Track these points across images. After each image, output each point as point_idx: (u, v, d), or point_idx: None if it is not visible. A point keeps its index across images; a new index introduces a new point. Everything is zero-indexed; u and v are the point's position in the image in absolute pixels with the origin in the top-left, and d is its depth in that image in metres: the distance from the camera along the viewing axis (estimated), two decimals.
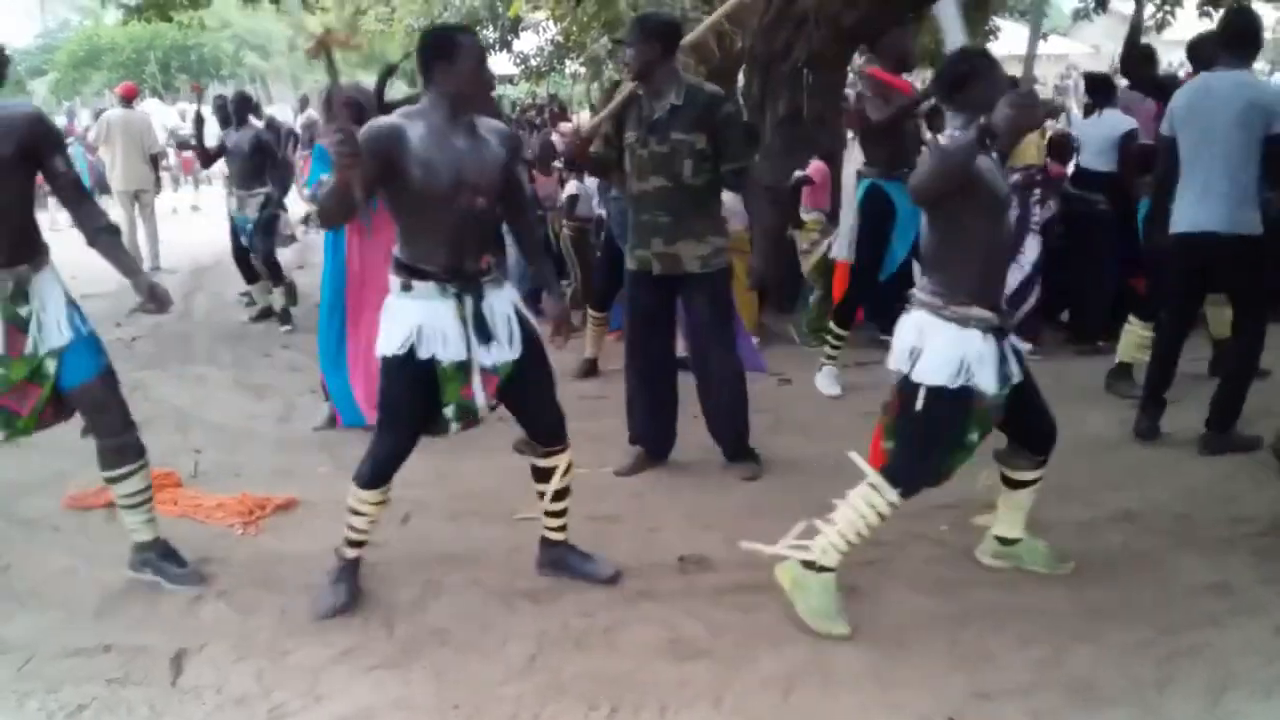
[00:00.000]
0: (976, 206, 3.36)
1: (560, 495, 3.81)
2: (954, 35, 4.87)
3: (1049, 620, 3.45)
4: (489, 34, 16.52)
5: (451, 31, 3.49)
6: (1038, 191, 6.96)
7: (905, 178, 5.80)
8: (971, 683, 3.13)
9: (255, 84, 28.81)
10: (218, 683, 3.23)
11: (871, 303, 6.45)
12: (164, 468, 4.94)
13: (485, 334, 3.47)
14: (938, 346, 3.39)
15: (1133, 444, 5.12)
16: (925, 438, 3.48)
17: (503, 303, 3.55)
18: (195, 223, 15.63)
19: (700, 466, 4.92)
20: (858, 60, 8.35)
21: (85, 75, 34.09)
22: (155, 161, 11.97)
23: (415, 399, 3.49)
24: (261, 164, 8.51)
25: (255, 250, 8.61)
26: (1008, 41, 17.98)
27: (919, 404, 3.41)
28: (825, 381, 6.28)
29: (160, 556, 3.87)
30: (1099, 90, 7.22)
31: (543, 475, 3.79)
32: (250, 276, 8.96)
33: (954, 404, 3.38)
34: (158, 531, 3.91)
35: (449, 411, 3.53)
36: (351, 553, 3.71)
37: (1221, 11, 10.47)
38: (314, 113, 15.88)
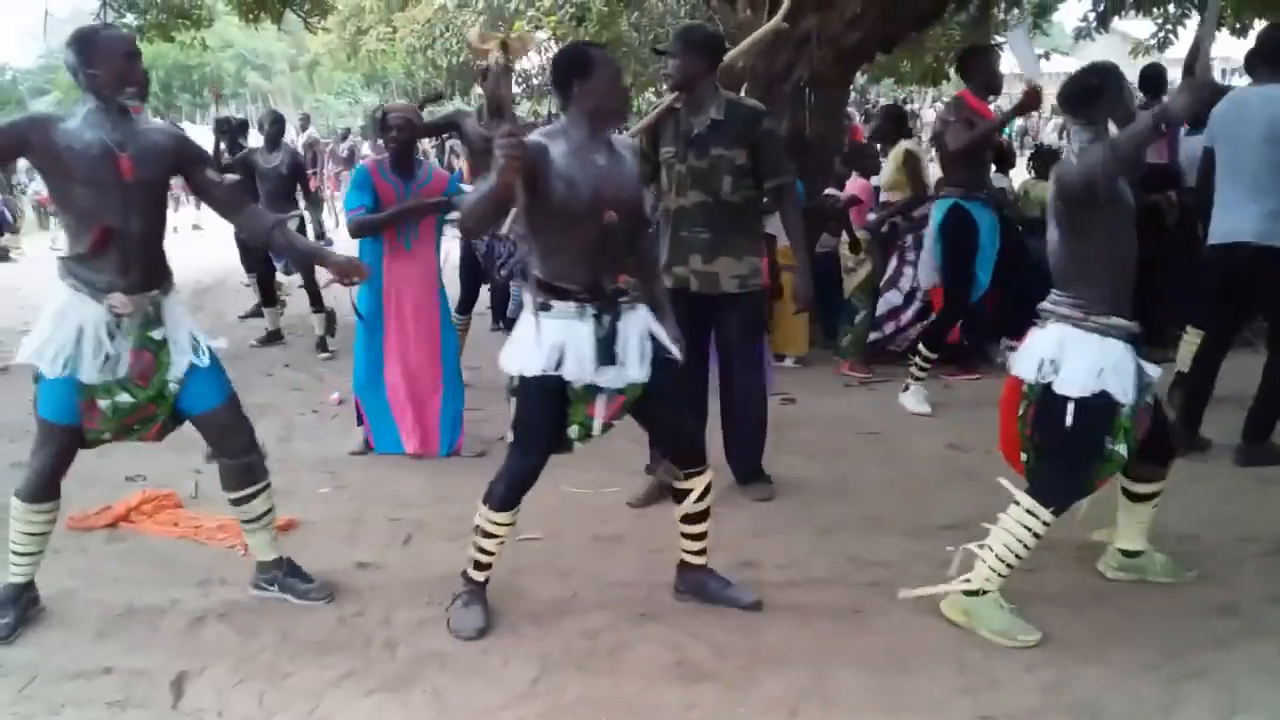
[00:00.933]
0: (1116, 217, 3.43)
1: (699, 518, 3.73)
2: (1028, 63, 4.92)
3: (1055, 643, 3.43)
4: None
5: (586, 48, 3.49)
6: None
7: (985, 198, 5.84)
8: (977, 706, 3.10)
9: (257, 103, 28.91)
10: (218, 706, 3.20)
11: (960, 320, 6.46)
12: (164, 489, 4.94)
13: (610, 356, 3.44)
14: (1082, 359, 3.41)
15: None
16: (1075, 453, 3.49)
17: (638, 323, 3.52)
18: (196, 242, 15.64)
19: None
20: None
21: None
22: None
23: (552, 418, 3.48)
24: (294, 186, 8.42)
25: (289, 273, 8.52)
26: (1009, 60, 18.02)
27: (1068, 419, 3.42)
28: (913, 401, 6.21)
29: (287, 574, 3.88)
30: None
31: (679, 497, 3.73)
32: (269, 300, 8.84)
33: (1099, 415, 3.40)
34: (280, 550, 3.91)
35: (573, 431, 3.51)
36: (480, 575, 3.66)
37: (1223, 31, 10.53)
38: (314, 131, 15.92)
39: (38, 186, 18.78)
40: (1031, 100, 5.85)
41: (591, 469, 4.83)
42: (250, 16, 11.13)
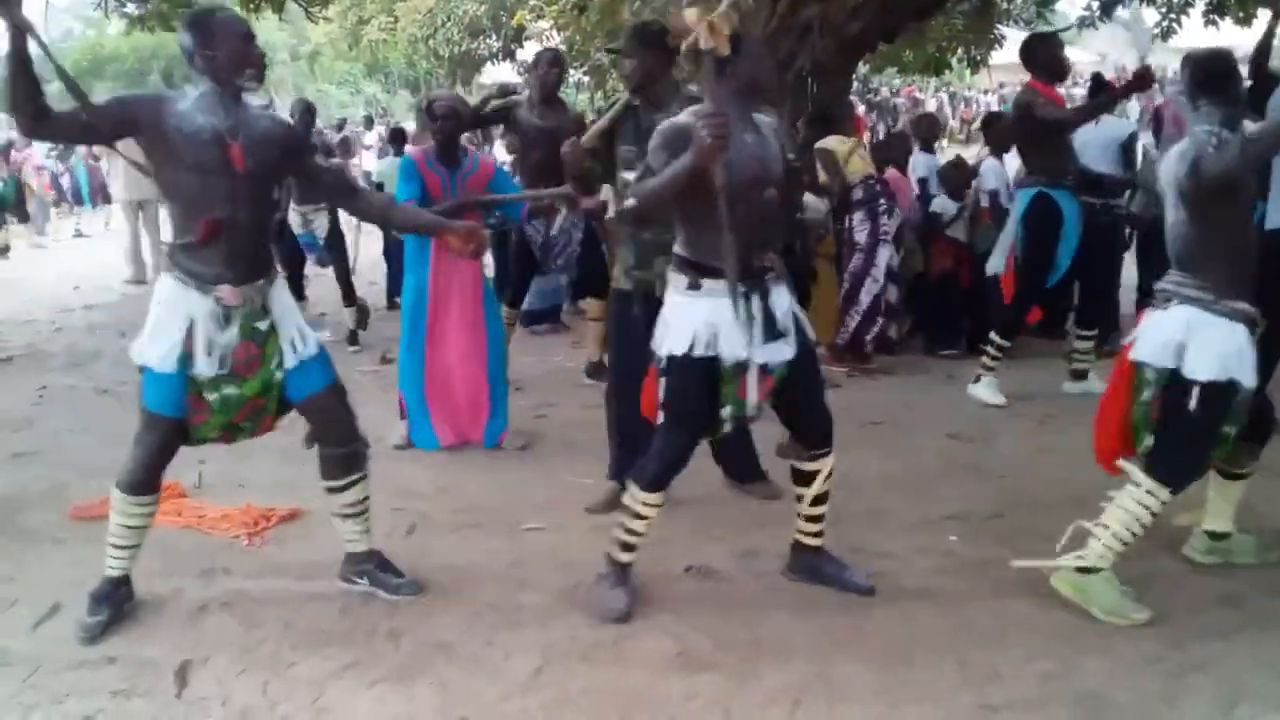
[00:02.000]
0: (1241, 201, 3.47)
1: (821, 500, 3.73)
2: (1141, 41, 4.90)
3: (1057, 634, 3.43)
4: (492, 43, 16.52)
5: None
6: (883, 201, 6.97)
7: (1070, 185, 5.82)
8: (979, 698, 3.11)
9: (257, 93, 28.84)
10: (222, 695, 3.21)
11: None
12: (168, 478, 4.94)
13: (774, 331, 3.44)
14: (1211, 342, 3.42)
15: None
16: (1198, 436, 3.51)
17: (784, 300, 3.51)
18: None
19: (707, 477, 4.90)
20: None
21: (89, 85, 34.11)
22: None
23: (704, 398, 3.47)
24: None
25: (323, 266, 8.43)
26: (1012, 50, 17.98)
27: (1193, 402, 3.42)
28: (986, 391, 6.16)
29: (378, 567, 3.86)
30: (1098, 93, 7.26)
31: (805, 478, 3.71)
32: (298, 294, 8.53)
33: (1223, 399, 3.42)
34: (372, 542, 3.90)
35: (725, 412, 3.50)
36: (626, 557, 3.65)
37: (1227, 20, 10.51)
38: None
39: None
40: (1142, 78, 5.98)
41: (594, 459, 4.83)
42: (251, 6, 11.08)
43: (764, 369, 3.47)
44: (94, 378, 7.35)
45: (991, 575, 3.85)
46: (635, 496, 3.57)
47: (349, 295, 8.25)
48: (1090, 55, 32.03)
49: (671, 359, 3.45)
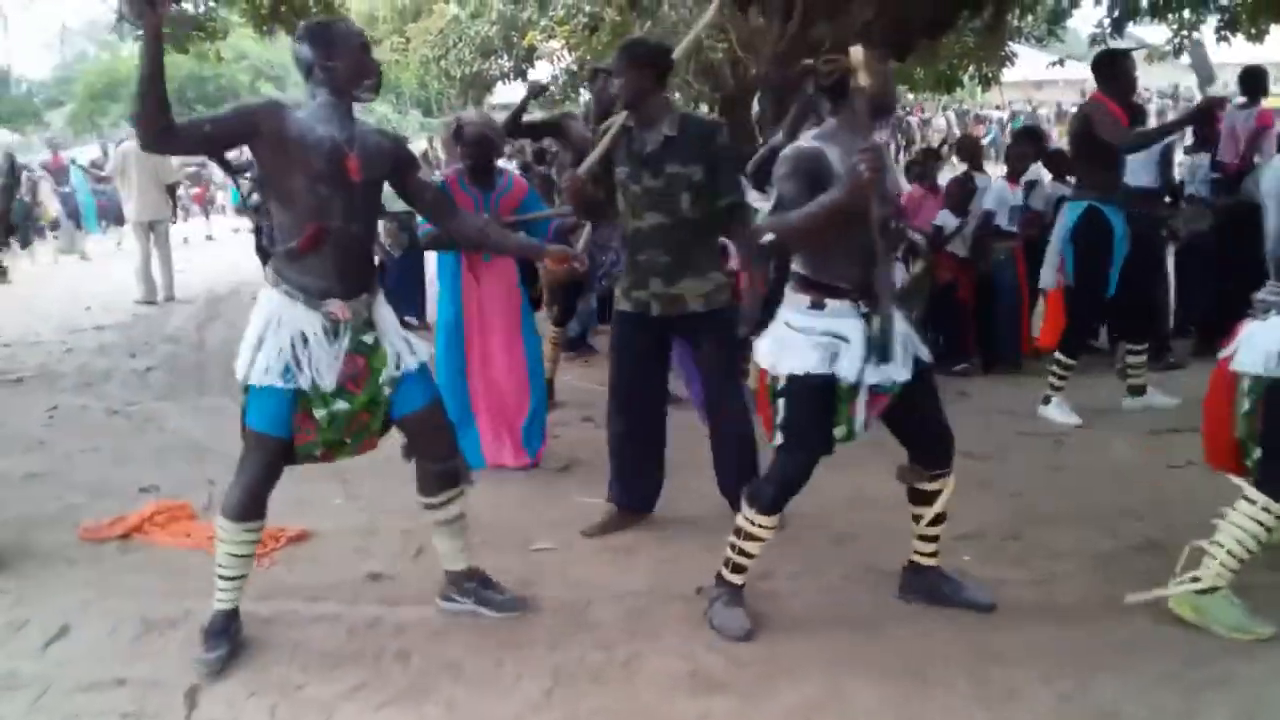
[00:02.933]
0: None
1: (940, 519, 3.73)
2: (1204, 72, 4.91)
3: (1073, 653, 3.39)
4: (503, 63, 16.58)
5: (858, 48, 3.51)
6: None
7: (1119, 201, 5.81)
8: (995, 717, 3.07)
9: None
10: (232, 717, 3.21)
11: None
12: (178, 499, 4.95)
13: (887, 353, 3.42)
14: None
15: (1156, 471, 5.05)
16: None
17: (900, 322, 3.49)
18: (209, 251, 15.67)
19: (716, 495, 4.87)
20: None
21: (103, 107, 34.47)
22: (171, 192, 12.05)
23: (825, 417, 3.45)
24: None
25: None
26: (1024, 67, 17.97)
27: None
28: (1057, 412, 6.05)
29: (481, 585, 3.84)
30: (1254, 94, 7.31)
31: (925, 498, 3.70)
32: None
33: None
34: (472, 559, 3.87)
35: (839, 431, 3.49)
36: (739, 579, 3.63)
37: (1239, 36, 10.50)
38: None
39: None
40: (1207, 112, 6.11)
41: (603, 480, 4.80)
42: (264, 28, 11.17)
43: (877, 389, 3.46)
44: (105, 398, 7.37)
45: (1006, 594, 3.82)
46: (751, 519, 3.53)
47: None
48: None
49: (792, 379, 3.42)
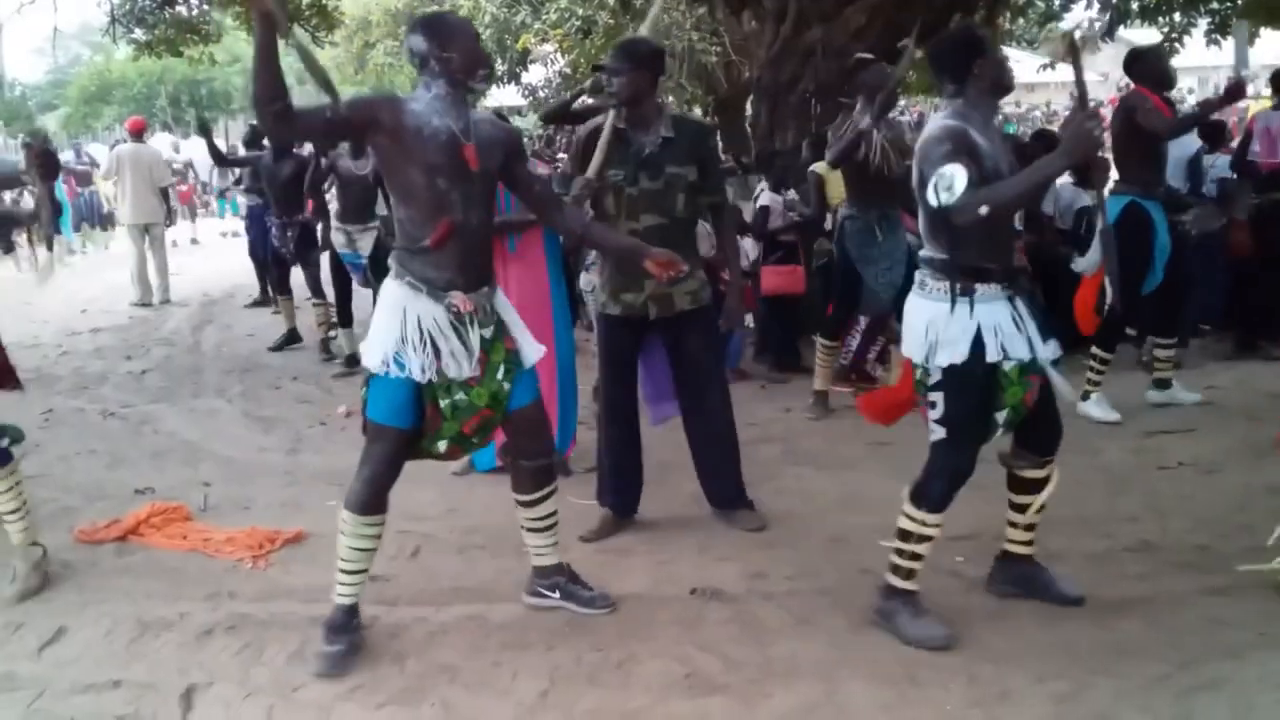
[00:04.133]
0: None
1: (1042, 507, 3.71)
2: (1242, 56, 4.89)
3: (1067, 655, 3.40)
4: (497, 66, 16.59)
5: (974, 27, 3.48)
6: None
7: (1160, 197, 5.82)
8: (989, 718, 3.08)
9: None
10: (227, 719, 3.20)
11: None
12: (173, 501, 4.95)
13: (1046, 332, 3.41)
14: None
15: (1149, 474, 5.07)
16: None
17: (1029, 304, 3.49)
18: (196, 256, 15.63)
19: None
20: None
21: (96, 110, 34.39)
22: (165, 195, 12.04)
23: (987, 406, 3.44)
24: (376, 196, 7.82)
25: (366, 286, 8.01)
26: (1015, 70, 17.99)
27: None
28: (1097, 409, 6.01)
29: (569, 580, 3.84)
30: None
31: (1032, 486, 3.69)
32: (346, 320, 8.24)
33: None
34: (560, 555, 3.87)
35: (1003, 416, 3.47)
36: (913, 585, 3.57)
37: (1229, 39, 10.54)
38: None
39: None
40: (1237, 91, 6.07)
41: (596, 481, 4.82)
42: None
43: (1035, 369, 3.46)
44: (100, 401, 7.36)
45: (1001, 595, 3.83)
46: (919, 518, 3.49)
47: (345, 320, 8.12)
48: (1093, 75, 32.09)
49: (950, 370, 3.39)
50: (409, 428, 3.43)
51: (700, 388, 4.54)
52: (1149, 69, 5.89)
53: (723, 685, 3.30)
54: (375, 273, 7.72)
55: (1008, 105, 31.31)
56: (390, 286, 3.41)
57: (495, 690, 3.31)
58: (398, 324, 3.34)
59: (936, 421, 3.46)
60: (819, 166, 7.12)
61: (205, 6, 11.80)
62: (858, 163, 5.81)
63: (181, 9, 11.60)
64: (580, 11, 13.29)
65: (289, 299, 9.08)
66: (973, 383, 3.39)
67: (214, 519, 4.86)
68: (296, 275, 8.75)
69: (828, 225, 7.17)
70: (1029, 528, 3.75)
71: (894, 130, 6.00)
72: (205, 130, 9.60)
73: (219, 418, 6.89)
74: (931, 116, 3.50)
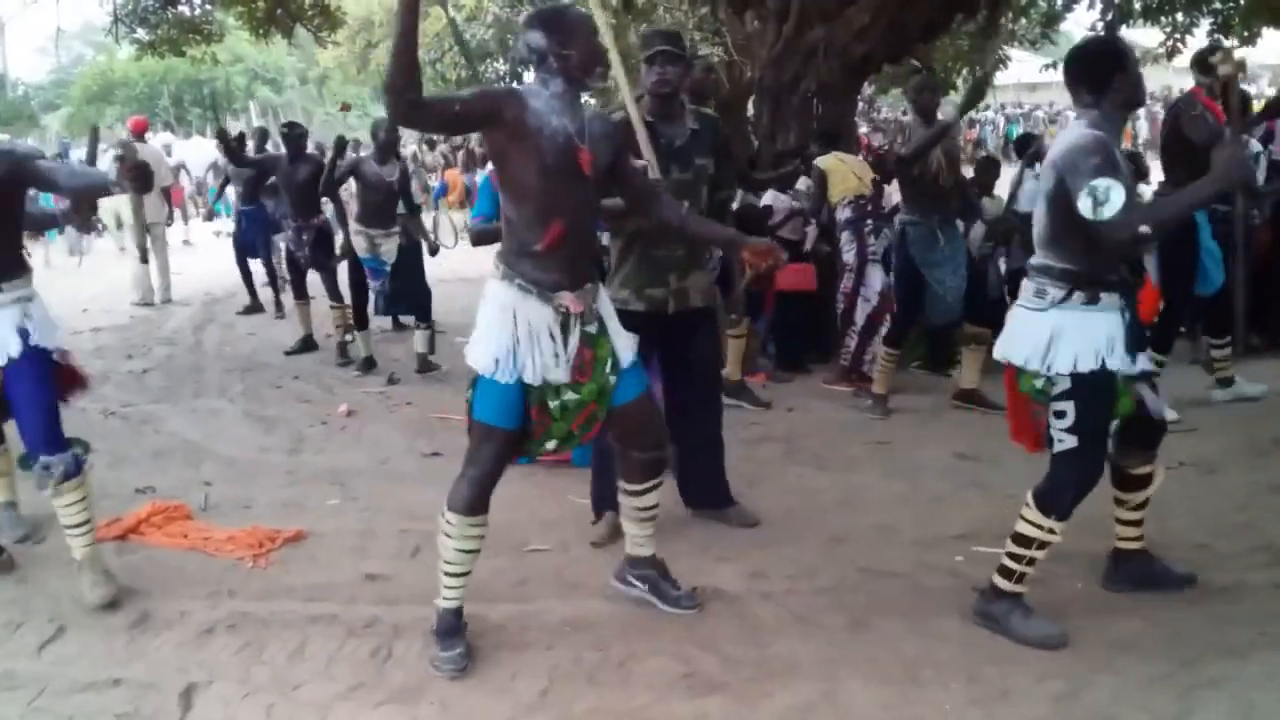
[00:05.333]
0: None
1: (1146, 504, 3.77)
2: None
3: (1067, 653, 3.40)
4: (500, 66, 16.63)
5: (1118, 39, 3.48)
6: (870, 222, 6.99)
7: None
8: (989, 717, 3.08)
9: (267, 116, 29.05)
10: (227, 718, 3.21)
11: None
12: (174, 500, 4.95)
13: (1137, 344, 3.45)
14: None
15: None
16: None
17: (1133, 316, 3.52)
18: (195, 255, 15.62)
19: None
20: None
21: (99, 110, 34.41)
22: (167, 194, 12.05)
23: (1110, 413, 3.45)
24: (399, 200, 7.79)
25: (383, 294, 8.06)
26: (1017, 70, 17.99)
27: None
28: (1248, 388, 6.14)
29: (661, 576, 3.84)
30: None
31: (1140, 482, 3.72)
32: (362, 323, 8.12)
33: None
34: (653, 547, 3.87)
35: (1114, 425, 3.50)
36: (1021, 588, 3.55)
37: (1231, 39, 10.53)
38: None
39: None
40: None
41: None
42: (261, 31, 11.17)
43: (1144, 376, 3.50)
44: (102, 400, 7.35)
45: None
46: (1048, 526, 3.44)
47: (425, 317, 7.88)
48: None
49: (1079, 379, 3.38)
50: (516, 428, 3.42)
51: (698, 388, 4.54)
52: (1213, 70, 5.84)
53: (722, 684, 3.30)
54: (397, 277, 7.69)
55: (1010, 105, 31.34)
56: (498, 288, 3.37)
57: (494, 689, 3.31)
58: (509, 326, 3.32)
59: (1066, 431, 3.44)
60: (822, 161, 7.13)
61: (208, 6, 11.81)
62: (918, 169, 5.91)
63: (184, 9, 11.60)
64: (583, 11, 13.29)
65: (306, 305, 8.91)
66: (1104, 390, 3.41)
67: (215, 518, 4.86)
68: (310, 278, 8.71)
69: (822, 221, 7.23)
70: (1138, 523, 3.79)
71: (950, 140, 6.08)
72: (224, 135, 9.56)
73: (220, 417, 6.89)
74: (1071, 124, 3.48)
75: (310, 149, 9.07)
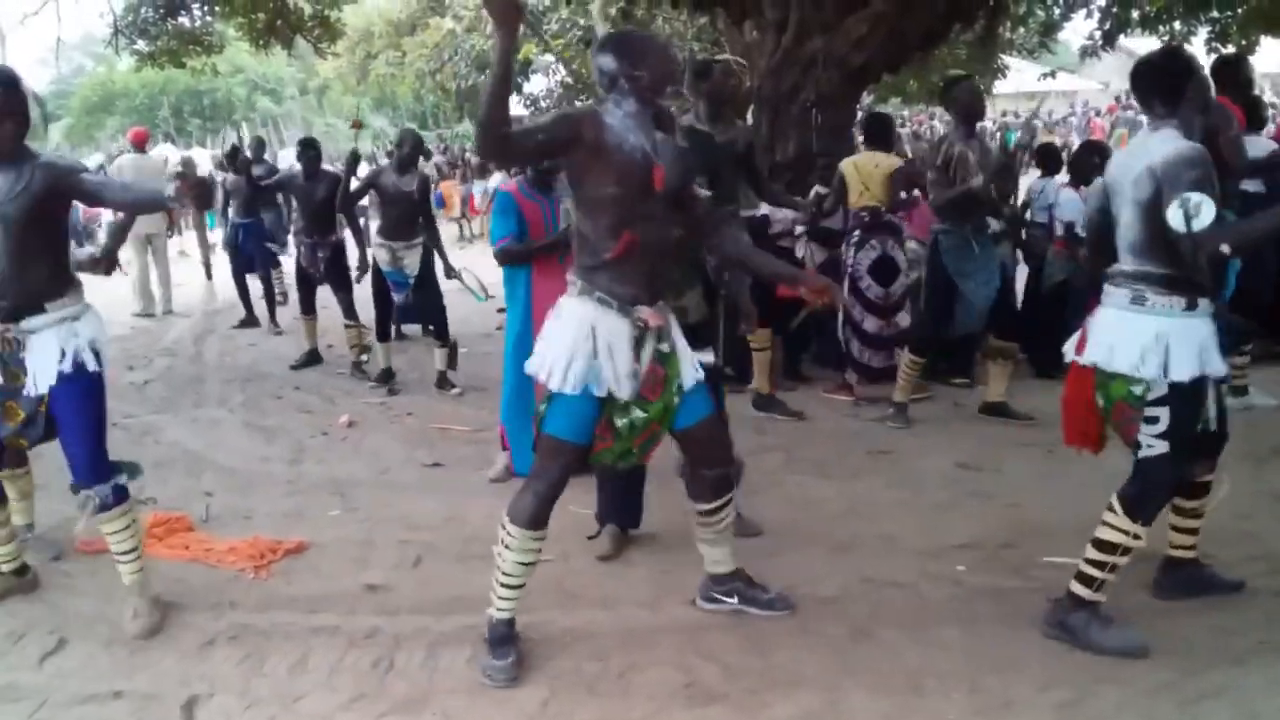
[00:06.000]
0: None
1: (1201, 513, 3.82)
2: None
3: (1070, 663, 3.40)
4: None
5: (1184, 50, 3.58)
6: (858, 233, 6.93)
7: (1234, 207, 5.80)
8: None
9: (267, 127, 29.12)
10: None
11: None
12: (175, 511, 4.95)
13: (1225, 345, 3.48)
14: None
15: None
16: None
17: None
18: (195, 266, 15.59)
19: None
20: None
21: (99, 120, 34.51)
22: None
23: (1200, 420, 3.47)
24: (421, 212, 7.67)
25: (407, 306, 7.82)
26: (1015, 79, 18.03)
27: None
28: (1260, 399, 6.14)
29: (748, 584, 3.86)
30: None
31: (1198, 490, 3.77)
32: (384, 335, 7.94)
33: None
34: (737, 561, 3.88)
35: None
36: (1102, 596, 3.54)
37: (1230, 47, 10.56)
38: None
39: None
40: None
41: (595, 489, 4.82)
42: (261, 42, 11.21)
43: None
44: None
45: (1002, 604, 3.83)
46: (1133, 531, 3.45)
47: (442, 334, 7.71)
48: (1093, 84, 32.18)
49: (1181, 386, 3.39)
50: (586, 444, 3.44)
51: None
52: (1231, 78, 5.82)
53: (723, 694, 3.30)
54: (425, 291, 7.58)
55: (1008, 114, 31.39)
56: (575, 303, 3.39)
57: (495, 700, 3.31)
58: (587, 341, 3.33)
59: (1158, 436, 3.45)
60: (847, 164, 7.07)
61: (208, 18, 11.85)
62: (950, 179, 5.91)
63: (184, 20, 11.65)
64: (581, 22, 13.32)
65: (312, 319, 8.77)
66: (1200, 396, 3.42)
67: (216, 529, 4.86)
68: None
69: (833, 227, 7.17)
70: (1195, 531, 3.82)
71: (985, 151, 6.07)
72: (235, 155, 9.50)
73: (221, 428, 6.89)
74: (1155, 134, 3.50)
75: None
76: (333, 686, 3.41)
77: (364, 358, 8.28)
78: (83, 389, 3.77)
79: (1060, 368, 7.12)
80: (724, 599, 3.84)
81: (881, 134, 7.33)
